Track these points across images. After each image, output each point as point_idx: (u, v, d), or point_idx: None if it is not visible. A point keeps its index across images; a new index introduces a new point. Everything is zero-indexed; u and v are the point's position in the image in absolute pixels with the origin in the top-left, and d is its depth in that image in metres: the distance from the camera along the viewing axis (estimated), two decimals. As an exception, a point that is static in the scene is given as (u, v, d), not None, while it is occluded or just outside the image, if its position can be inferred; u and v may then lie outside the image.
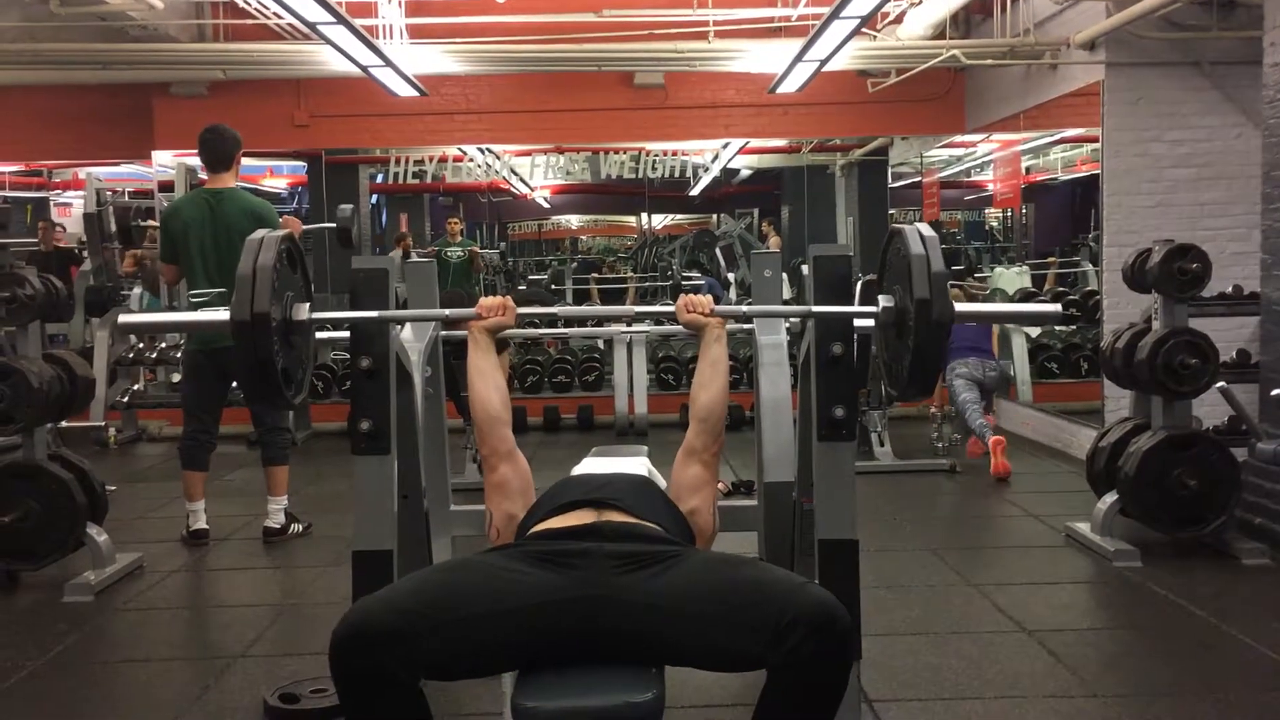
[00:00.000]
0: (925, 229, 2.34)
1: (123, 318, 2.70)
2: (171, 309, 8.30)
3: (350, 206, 6.30)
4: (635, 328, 8.08)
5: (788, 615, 1.94)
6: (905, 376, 2.34)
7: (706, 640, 2.02)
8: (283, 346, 2.38)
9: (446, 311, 3.05)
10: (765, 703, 2.01)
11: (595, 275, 12.25)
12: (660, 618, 2.03)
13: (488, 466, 2.57)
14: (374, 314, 2.62)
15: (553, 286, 12.18)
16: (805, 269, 2.98)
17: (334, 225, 6.30)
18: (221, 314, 2.34)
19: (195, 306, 5.00)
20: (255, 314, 2.26)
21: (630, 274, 12.55)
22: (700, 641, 2.03)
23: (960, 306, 2.30)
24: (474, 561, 2.22)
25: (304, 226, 5.82)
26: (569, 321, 6.32)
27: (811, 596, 1.98)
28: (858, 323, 2.66)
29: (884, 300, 2.45)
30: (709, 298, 2.69)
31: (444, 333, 3.56)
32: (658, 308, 2.41)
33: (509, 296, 2.69)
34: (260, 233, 2.39)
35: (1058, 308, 2.64)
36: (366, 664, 1.94)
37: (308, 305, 2.49)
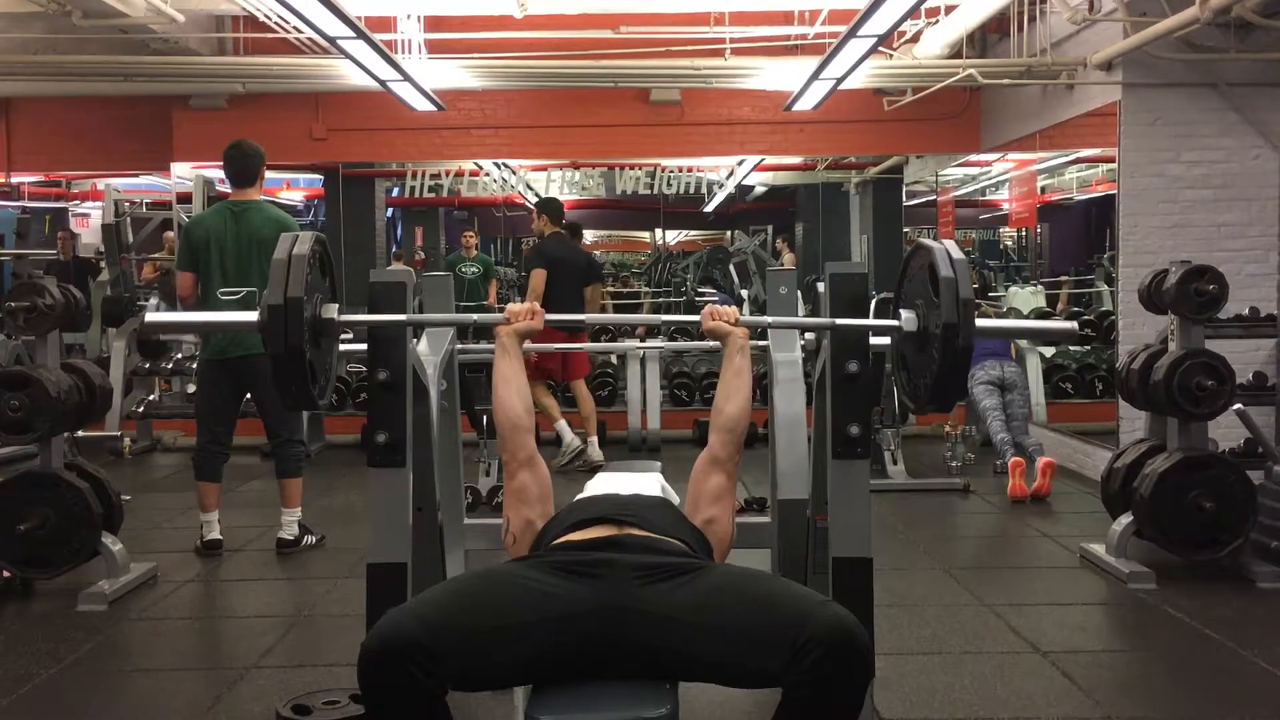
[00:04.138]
0: (953, 249, 2.32)
1: (149, 316, 2.71)
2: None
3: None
4: (650, 343, 8.10)
5: (805, 633, 1.93)
6: (926, 393, 2.33)
7: (724, 655, 2.02)
8: (310, 344, 2.34)
9: (475, 316, 3.08)
10: (780, 720, 2.01)
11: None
12: (680, 630, 2.03)
13: (507, 473, 2.57)
14: (401, 317, 2.63)
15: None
16: (821, 286, 2.97)
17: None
18: (248, 315, 2.32)
19: (222, 307, 5.01)
20: (289, 299, 2.23)
21: (644, 288, 12.58)
22: (718, 656, 2.03)
23: (980, 322, 2.29)
24: (498, 573, 2.22)
25: None
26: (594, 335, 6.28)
27: (831, 615, 1.97)
28: (873, 340, 2.66)
29: (905, 315, 2.43)
30: (734, 309, 2.69)
31: (459, 345, 3.57)
32: (681, 316, 2.40)
33: (536, 303, 2.70)
34: (294, 232, 2.39)
35: (1074, 325, 2.66)
36: (396, 676, 1.94)
37: (336, 306, 2.48)
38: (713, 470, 2.54)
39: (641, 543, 2.23)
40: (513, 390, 2.59)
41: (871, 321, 2.62)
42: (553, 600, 2.06)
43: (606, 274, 13.57)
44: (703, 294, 12.00)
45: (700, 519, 2.47)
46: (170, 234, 9.23)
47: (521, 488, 2.51)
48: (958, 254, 2.30)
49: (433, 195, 10.51)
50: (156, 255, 9.46)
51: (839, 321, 2.58)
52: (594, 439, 7.28)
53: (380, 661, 1.95)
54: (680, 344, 8.82)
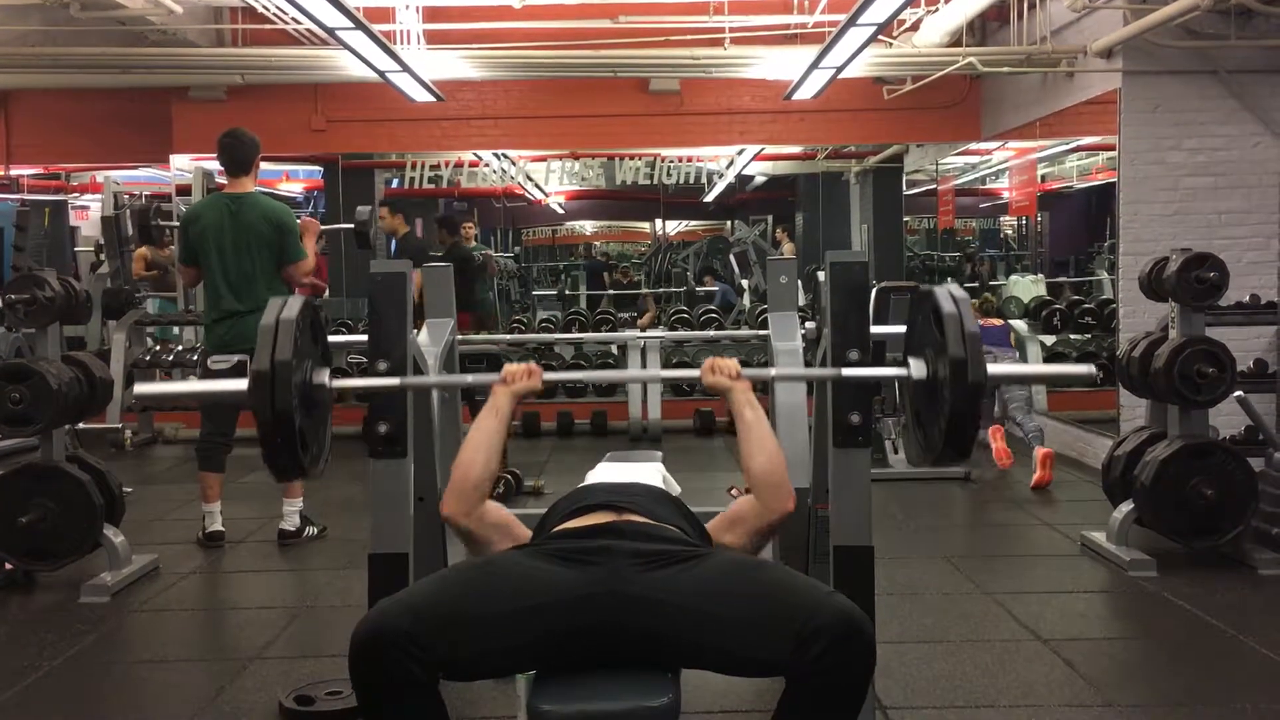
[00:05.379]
0: (956, 290, 2.25)
1: (138, 388, 2.65)
2: (188, 312, 8.37)
3: (368, 208, 6.60)
4: (650, 333, 8.10)
5: (812, 624, 1.93)
6: (940, 437, 2.24)
7: (727, 643, 2.02)
8: (301, 410, 2.21)
9: (469, 378, 2.98)
10: (783, 710, 2.01)
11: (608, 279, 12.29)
12: (681, 617, 2.03)
13: (460, 534, 2.42)
14: (395, 381, 2.54)
15: (567, 292, 12.22)
16: (821, 275, 2.96)
17: (352, 226, 6.52)
18: (239, 383, 2.23)
19: (212, 319, 5.04)
20: (277, 363, 2.12)
21: (642, 280, 12.57)
22: (720, 644, 2.02)
23: (992, 369, 2.20)
24: (494, 560, 2.22)
25: (322, 227, 5.89)
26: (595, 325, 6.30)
27: (837, 606, 1.97)
28: (874, 330, 2.65)
29: (914, 362, 2.36)
30: (735, 361, 2.55)
31: (460, 337, 3.58)
32: (681, 373, 2.31)
33: (534, 362, 2.57)
34: (284, 298, 2.29)
35: (1092, 368, 2.49)
36: (384, 666, 1.94)
37: (328, 371, 2.36)
38: (739, 527, 2.42)
39: (640, 529, 2.22)
40: (483, 455, 2.42)
41: (879, 371, 2.53)
42: (550, 587, 2.06)
43: (609, 265, 13.57)
44: (703, 284, 11.99)
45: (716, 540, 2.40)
46: (170, 223, 9.19)
47: (486, 540, 2.38)
48: (960, 293, 2.24)
49: (432, 186, 10.48)
50: (148, 251, 9.41)
51: (845, 372, 2.49)
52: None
53: (367, 652, 1.95)
54: (681, 334, 8.82)
